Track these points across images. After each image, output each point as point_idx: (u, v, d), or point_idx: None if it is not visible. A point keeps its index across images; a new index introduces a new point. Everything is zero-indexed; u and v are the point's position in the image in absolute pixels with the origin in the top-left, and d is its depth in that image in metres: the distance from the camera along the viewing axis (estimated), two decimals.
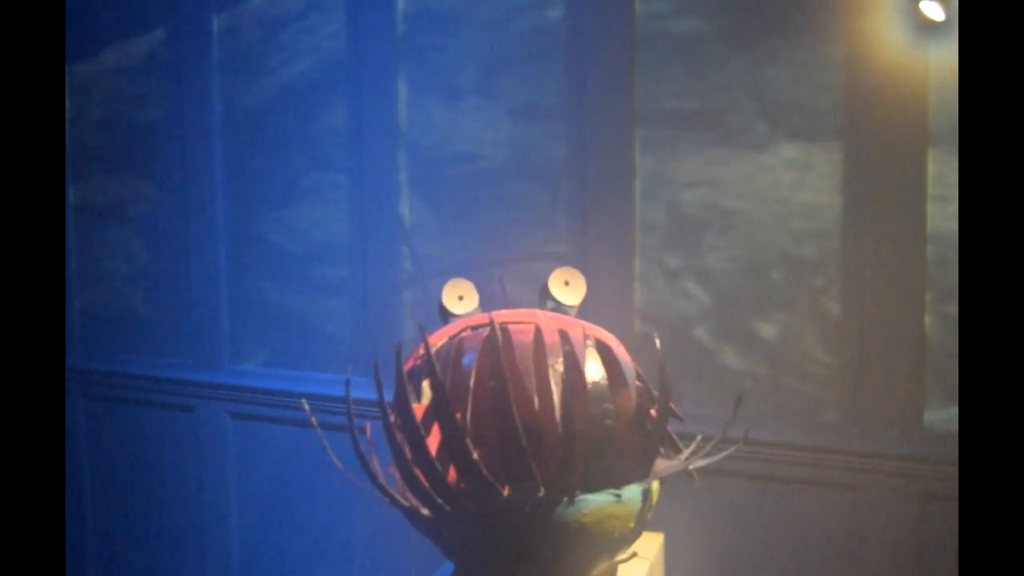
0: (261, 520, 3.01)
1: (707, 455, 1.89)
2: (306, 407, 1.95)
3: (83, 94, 3.24)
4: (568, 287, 2.18)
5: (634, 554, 2.03)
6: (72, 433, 3.30)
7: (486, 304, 2.28)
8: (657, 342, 1.78)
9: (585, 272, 2.31)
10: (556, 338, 1.86)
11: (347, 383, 1.85)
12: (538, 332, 1.87)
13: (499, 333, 1.79)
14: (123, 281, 3.23)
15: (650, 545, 2.14)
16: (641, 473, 1.79)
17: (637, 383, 1.87)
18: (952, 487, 2.07)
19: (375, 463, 1.85)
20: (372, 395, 1.84)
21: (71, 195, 3.30)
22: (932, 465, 2.14)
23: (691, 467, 1.88)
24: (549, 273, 2.21)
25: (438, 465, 1.73)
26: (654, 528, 2.23)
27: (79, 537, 3.35)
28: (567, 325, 1.93)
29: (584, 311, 2.24)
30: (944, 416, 2.15)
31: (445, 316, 2.18)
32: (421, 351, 1.93)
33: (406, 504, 1.80)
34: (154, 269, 3.15)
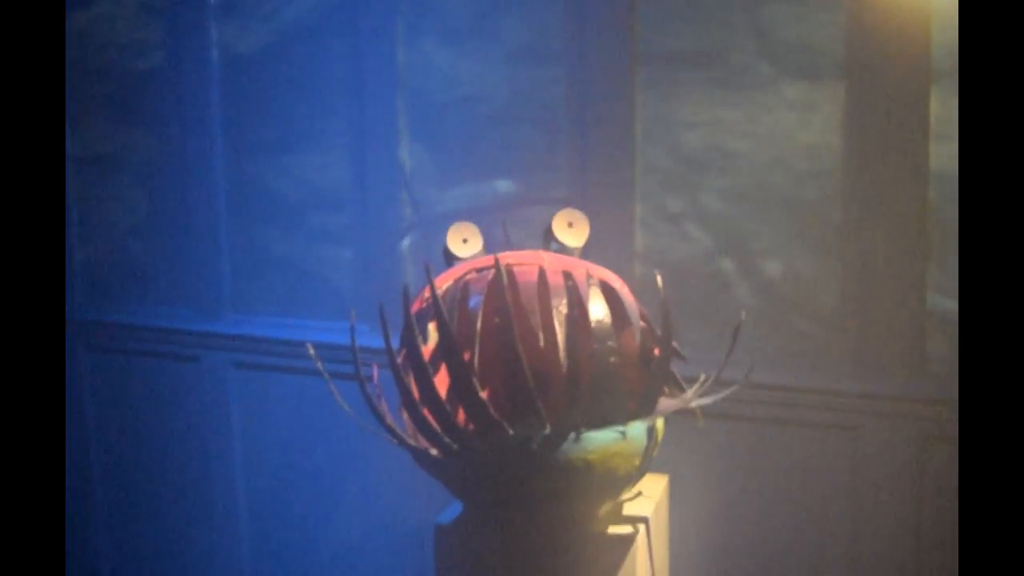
0: (267, 468, 3.03)
1: (710, 392, 1.90)
2: (311, 352, 1.95)
3: (78, 42, 3.21)
4: (571, 228, 2.18)
5: (639, 493, 2.05)
6: (75, 385, 3.31)
7: (488, 248, 2.28)
8: (659, 280, 1.79)
9: (586, 215, 2.30)
10: (560, 278, 1.87)
11: (351, 327, 1.85)
12: (542, 272, 1.87)
13: (504, 274, 1.79)
14: (123, 231, 3.22)
15: (655, 486, 2.16)
16: (645, 411, 1.80)
17: (640, 322, 1.88)
18: (953, 427, 2.09)
19: (383, 406, 1.86)
20: (375, 342, 1.85)
21: (69, 145, 3.27)
22: (933, 405, 2.16)
23: (695, 404, 1.89)
24: (550, 217, 2.20)
25: (447, 405, 1.74)
26: (659, 470, 2.25)
27: (84, 487, 3.37)
28: (571, 266, 1.93)
29: (585, 254, 2.24)
30: (945, 356, 2.16)
31: (450, 259, 2.18)
32: (427, 293, 1.93)
33: (415, 445, 1.81)
34: (154, 218, 3.14)
